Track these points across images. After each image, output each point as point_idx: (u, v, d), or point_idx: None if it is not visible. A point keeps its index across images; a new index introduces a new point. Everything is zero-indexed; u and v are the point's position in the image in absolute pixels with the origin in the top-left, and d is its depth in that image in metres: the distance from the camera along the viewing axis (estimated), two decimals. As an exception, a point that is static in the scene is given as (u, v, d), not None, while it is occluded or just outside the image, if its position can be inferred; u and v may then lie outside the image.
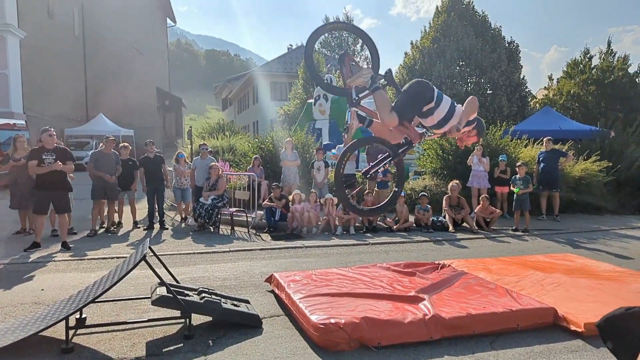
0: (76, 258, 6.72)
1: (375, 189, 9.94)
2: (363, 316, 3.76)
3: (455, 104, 4.34)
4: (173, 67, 54.12)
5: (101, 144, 9.04)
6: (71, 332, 3.70)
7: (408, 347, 3.68)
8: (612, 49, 24.21)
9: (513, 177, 9.77)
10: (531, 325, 4.06)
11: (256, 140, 13.32)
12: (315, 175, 10.14)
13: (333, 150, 11.45)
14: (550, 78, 26.84)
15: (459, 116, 4.24)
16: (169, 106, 40.20)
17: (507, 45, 24.67)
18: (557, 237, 8.89)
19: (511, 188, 9.72)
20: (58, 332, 3.77)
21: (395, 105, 4.12)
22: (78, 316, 3.98)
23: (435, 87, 4.26)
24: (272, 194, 9.31)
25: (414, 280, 5.14)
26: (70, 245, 7.34)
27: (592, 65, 24.10)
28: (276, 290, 4.97)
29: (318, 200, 9.45)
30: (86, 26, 26.00)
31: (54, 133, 7.30)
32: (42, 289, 5.19)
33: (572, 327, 3.96)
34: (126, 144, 9.53)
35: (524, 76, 24.77)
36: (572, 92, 24.07)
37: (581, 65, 24.37)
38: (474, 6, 24.87)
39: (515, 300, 4.35)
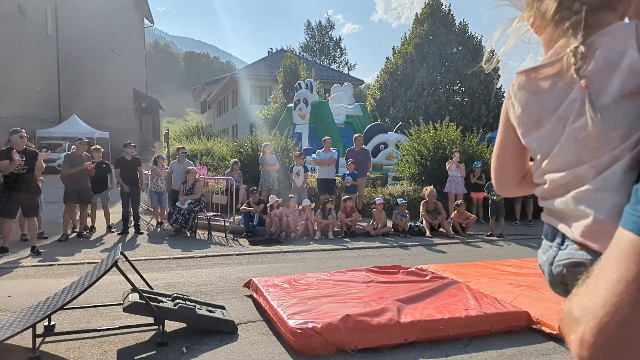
0: (46, 263, 6.53)
1: (344, 194, 9.90)
2: (340, 320, 3.76)
3: None
4: (150, 68, 53.32)
5: (73, 146, 8.78)
6: (39, 340, 3.60)
7: (384, 350, 3.69)
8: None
9: (488, 183, 9.94)
10: (505, 328, 4.14)
11: (235, 144, 13.21)
12: (295, 180, 10.11)
13: (313, 155, 11.43)
14: None
15: None
16: (146, 108, 39.55)
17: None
18: (531, 242, 9.06)
19: (486, 194, 9.88)
20: (25, 340, 3.64)
21: None
22: (46, 323, 3.86)
23: None
24: (250, 199, 9.25)
25: (391, 284, 5.17)
26: (41, 250, 7.13)
27: None
28: (255, 295, 4.94)
29: (297, 205, 9.42)
30: (59, 25, 25.37)
31: (26, 135, 7.12)
32: (9, 296, 5.02)
33: (547, 330, 4.03)
34: (98, 147, 9.32)
35: (501, 85, 25.40)
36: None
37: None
38: (452, 14, 25.26)
39: (489, 304, 4.40)
